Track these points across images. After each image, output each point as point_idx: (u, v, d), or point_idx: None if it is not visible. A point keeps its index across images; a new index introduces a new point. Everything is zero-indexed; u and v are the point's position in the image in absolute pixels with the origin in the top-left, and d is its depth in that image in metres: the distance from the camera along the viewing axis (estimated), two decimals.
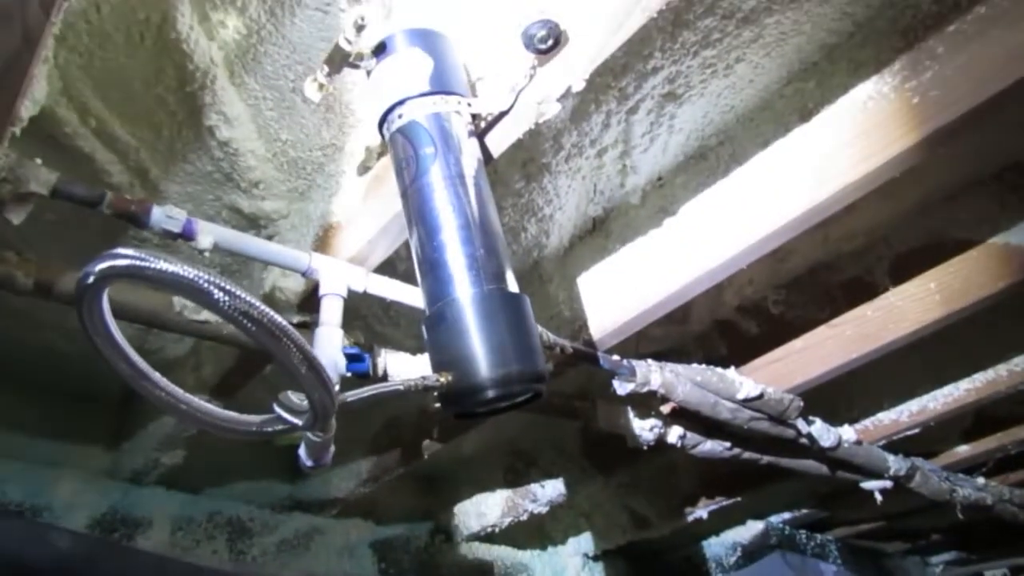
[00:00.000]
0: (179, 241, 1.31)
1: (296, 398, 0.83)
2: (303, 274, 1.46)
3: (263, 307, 0.71)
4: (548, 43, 1.16)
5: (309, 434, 0.97)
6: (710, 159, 1.80)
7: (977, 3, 1.31)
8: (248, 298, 0.70)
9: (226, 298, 0.68)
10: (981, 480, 3.53)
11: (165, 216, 1.28)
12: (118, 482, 2.66)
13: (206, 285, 0.68)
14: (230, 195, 1.79)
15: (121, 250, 0.68)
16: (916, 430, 2.88)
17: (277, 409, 0.84)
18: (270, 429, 0.87)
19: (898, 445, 2.95)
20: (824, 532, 4.90)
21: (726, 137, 1.79)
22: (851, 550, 5.08)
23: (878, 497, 3.04)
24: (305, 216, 1.80)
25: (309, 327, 1.67)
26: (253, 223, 1.86)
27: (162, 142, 1.65)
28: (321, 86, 1.30)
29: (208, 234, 1.32)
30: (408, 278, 1.53)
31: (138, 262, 0.67)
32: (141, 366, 0.83)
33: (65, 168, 1.34)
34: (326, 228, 1.68)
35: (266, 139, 1.67)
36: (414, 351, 1.71)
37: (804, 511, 4.33)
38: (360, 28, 1.22)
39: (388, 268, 1.64)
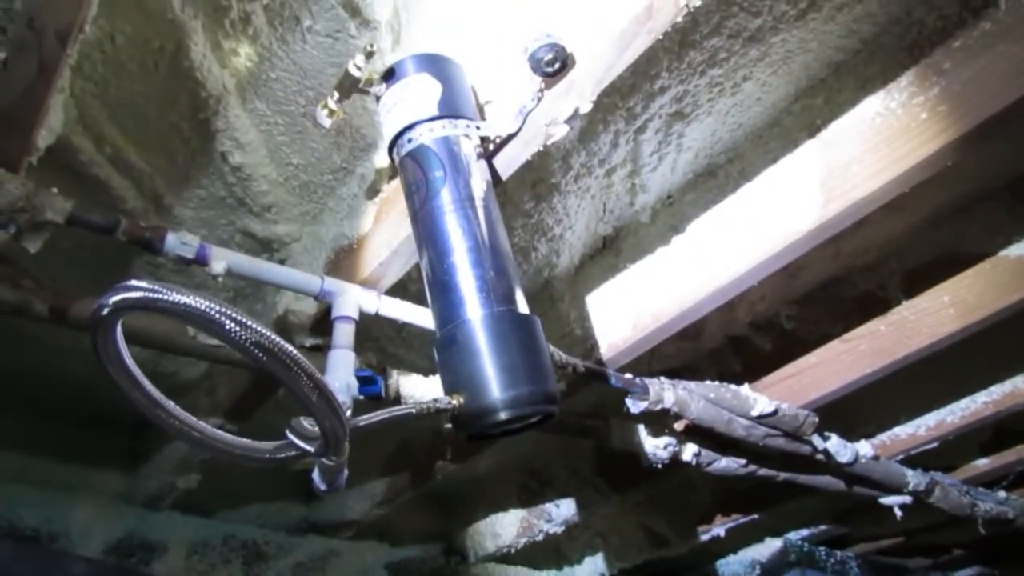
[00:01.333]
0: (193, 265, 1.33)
1: (308, 424, 0.84)
2: (316, 297, 1.47)
3: (274, 337, 0.72)
4: (555, 66, 1.16)
5: (322, 459, 0.97)
6: (719, 176, 1.81)
7: (982, 19, 1.31)
8: (260, 328, 0.71)
9: (238, 328, 0.69)
10: (1002, 494, 3.48)
11: (179, 242, 1.30)
12: (134, 507, 2.66)
13: (218, 316, 0.69)
14: (243, 219, 1.81)
15: (134, 282, 0.69)
16: (934, 444, 2.85)
17: (289, 435, 0.85)
18: (283, 455, 0.87)
19: (916, 460, 2.92)
20: (844, 549, 4.83)
21: (735, 154, 1.79)
22: (872, 567, 5.00)
23: (898, 512, 3.00)
24: (317, 239, 1.81)
25: (322, 350, 1.68)
26: (266, 247, 1.88)
27: (176, 168, 1.67)
28: (332, 112, 1.31)
29: (221, 259, 1.33)
30: (420, 299, 1.53)
31: (151, 294, 0.68)
32: (155, 395, 0.84)
33: (81, 195, 1.36)
34: (338, 251, 1.70)
35: (278, 163, 1.69)
36: (426, 372, 1.71)
37: (823, 527, 4.27)
38: (369, 54, 1.24)
39: (400, 289, 1.65)
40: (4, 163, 1.23)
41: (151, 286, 0.68)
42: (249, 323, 0.70)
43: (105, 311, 0.71)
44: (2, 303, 1.42)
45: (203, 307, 0.68)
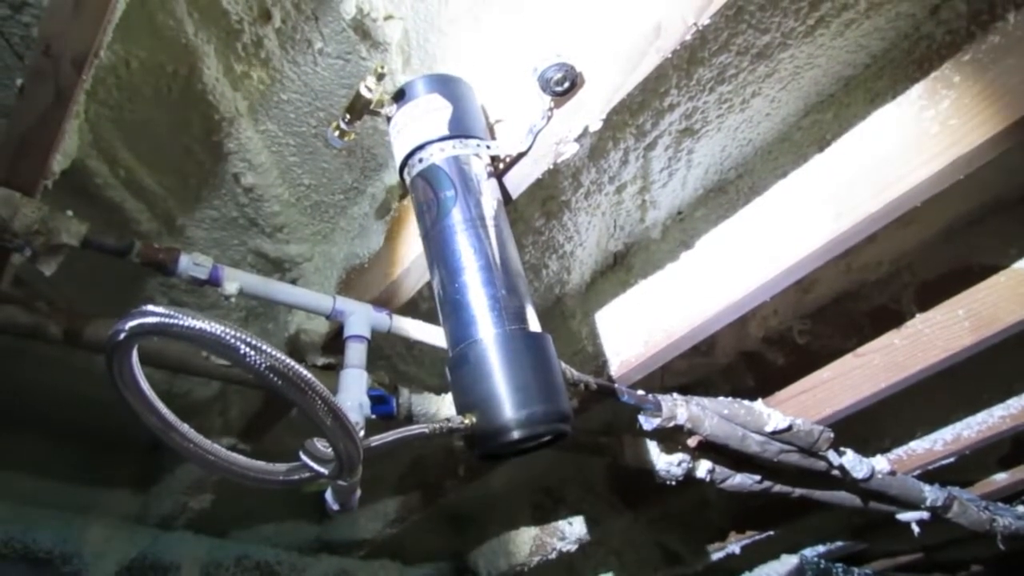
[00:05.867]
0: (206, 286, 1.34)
1: (322, 446, 0.84)
2: (328, 317, 1.47)
3: (289, 361, 0.72)
4: (564, 85, 1.17)
5: (336, 480, 0.97)
6: (729, 192, 1.81)
7: (990, 33, 1.31)
8: (274, 352, 0.71)
9: (252, 353, 0.70)
10: (1022, 508, 3.42)
11: (192, 263, 1.31)
12: (147, 527, 2.66)
13: (233, 341, 0.69)
14: (255, 240, 1.82)
15: (150, 307, 0.69)
16: (951, 459, 2.81)
17: (303, 457, 0.85)
18: (297, 477, 0.87)
19: (933, 475, 2.88)
20: (862, 565, 4.76)
21: (745, 170, 1.79)
22: None
23: (915, 529, 2.96)
24: (329, 258, 1.82)
25: (334, 369, 1.69)
26: (278, 266, 1.89)
27: (189, 190, 1.69)
28: (343, 132, 1.33)
29: (234, 280, 1.34)
30: (431, 317, 1.54)
31: (167, 319, 0.68)
32: (170, 418, 0.84)
33: (95, 217, 1.37)
34: (350, 270, 1.70)
35: (289, 184, 1.70)
36: (438, 390, 1.71)
37: (840, 544, 4.22)
38: (380, 76, 1.25)
39: (411, 308, 1.65)
40: (20, 187, 1.25)
41: (166, 311, 0.69)
42: (264, 347, 0.70)
43: (121, 336, 0.72)
44: (17, 326, 1.43)
45: (218, 332, 0.68)
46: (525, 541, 3.31)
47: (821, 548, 4.26)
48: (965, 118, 1.32)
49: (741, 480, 2.37)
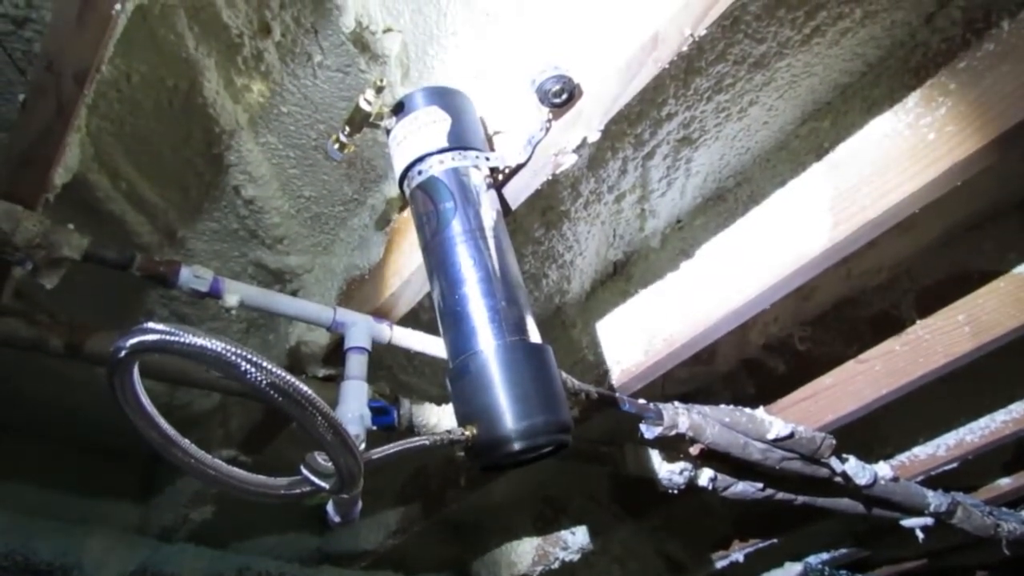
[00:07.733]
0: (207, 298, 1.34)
1: (323, 459, 0.84)
2: (328, 328, 1.47)
3: (289, 377, 0.72)
4: (562, 97, 1.17)
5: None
6: (728, 200, 1.81)
7: (985, 40, 1.32)
8: (274, 369, 0.71)
9: (253, 369, 0.70)
10: None
11: (193, 276, 1.31)
12: (148, 539, 2.65)
13: (233, 357, 0.69)
14: (255, 251, 1.83)
15: (151, 324, 0.70)
16: (955, 464, 2.81)
17: (304, 472, 0.85)
18: (298, 491, 0.87)
19: (937, 480, 2.88)
20: (866, 572, 4.75)
21: (743, 178, 1.80)
22: None
23: (919, 535, 2.96)
24: (329, 270, 1.82)
25: (335, 380, 1.69)
26: (278, 278, 1.89)
27: (190, 202, 1.69)
28: (343, 145, 1.33)
29: (234, 292, 1.34)
30: (432, 328, 1.54)
31: (167, 337, 0.69)
32: (171, 434, 0.84)
33: (96, 230, 1.38)
34: (350, 281, 1.71)
35: (290, 196, 1.71)
36: (439, 400, 1.71)
37: (844, 551, 4.21)
38: (379, 88, 1.26)
39: (412, 318, 1.65)
40: (22, 200, 1.26)
41: (167, 328, 0.69)
42: (264, 364, 0.70)
43: (122, 354, 0.72)
44: (18, 339, 1.43)
45: (219, 349, 0.69)
46: (527, 551, 3.30)
47: (825, 555, 4.25)
48: (961, 125, 1.33)
49: (743, 488, 2.36)
